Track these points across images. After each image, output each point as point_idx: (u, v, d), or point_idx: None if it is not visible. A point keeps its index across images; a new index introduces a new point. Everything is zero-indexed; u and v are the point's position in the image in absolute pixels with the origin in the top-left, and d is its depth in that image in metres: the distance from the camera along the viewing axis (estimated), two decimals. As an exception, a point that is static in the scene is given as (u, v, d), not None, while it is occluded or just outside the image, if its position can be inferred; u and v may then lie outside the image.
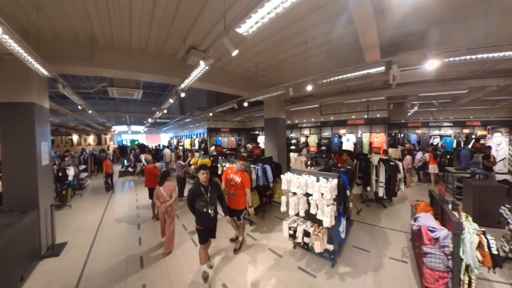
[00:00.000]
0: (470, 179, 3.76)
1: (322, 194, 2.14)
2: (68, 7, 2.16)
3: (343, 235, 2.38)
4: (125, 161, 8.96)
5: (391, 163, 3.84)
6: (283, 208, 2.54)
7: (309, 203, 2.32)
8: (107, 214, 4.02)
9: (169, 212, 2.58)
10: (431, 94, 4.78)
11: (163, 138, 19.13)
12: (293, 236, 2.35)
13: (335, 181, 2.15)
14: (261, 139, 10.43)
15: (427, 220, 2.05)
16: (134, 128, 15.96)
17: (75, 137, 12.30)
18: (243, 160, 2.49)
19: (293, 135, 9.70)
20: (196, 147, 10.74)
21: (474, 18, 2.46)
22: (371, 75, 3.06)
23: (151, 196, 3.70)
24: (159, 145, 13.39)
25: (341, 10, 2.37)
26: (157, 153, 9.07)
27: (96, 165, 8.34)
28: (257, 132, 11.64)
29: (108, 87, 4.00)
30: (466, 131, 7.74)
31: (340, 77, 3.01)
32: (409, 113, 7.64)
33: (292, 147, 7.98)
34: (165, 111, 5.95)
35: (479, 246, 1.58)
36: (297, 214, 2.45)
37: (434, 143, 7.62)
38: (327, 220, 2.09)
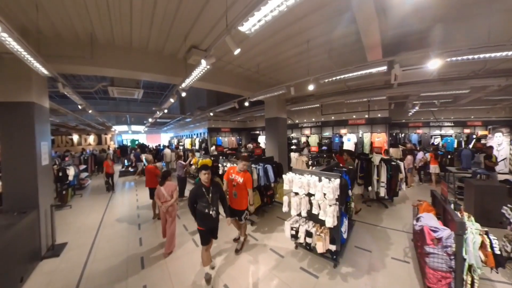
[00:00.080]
0: (472, 179, 3.76)
1: (325, 194, 2.13)
2: (68, 5, 2.15)
3: (345, 235, 2.37)
4: (126, 161, 8.95)
5: (393, 163, 3.83)
6: (285, 208, 2.53)
7: (311, 203, 2.31)
8: (108, 214, 4.01)
9: (170, 212, 2.57)
10: (432, 94, 4.77)
11: (164, 138, 19.11)
12: (295, 237, 2.34)
13: (338, 181, 2.13)
14: (261, 139, 10.42)
15: (429, 220, 2.04)
16: (135, 128, 15.94)
17: (75, 137, 12.30)
18: (245, 160, 2.48)
19: (293, 135, 9.69)
20: (197, 147, 10.72)
21: (476, 17, 2.44)
22: (372, 75, 3.04)
23: (151, 196, 3.69)
24: (159, 145, 13.36)
25: (342, 9, 2.35)
26: (157, 153, 9.05)
27: (97, 165, 8.34)
28: (257, 132, 11.62)
29: (108, 87, 3.98)
30: (467, 131, 7.73)
31: (342, 76, 3.00)
32: (410, 113, 7.63)
33: (293, 147, 7.96)
34: (165, 111, 5.94)
35: (482, 246, 1.58)
36: (299, 214, 2.44)
37: (435, 143, 7.61)
38: (330, 220, 2.07)
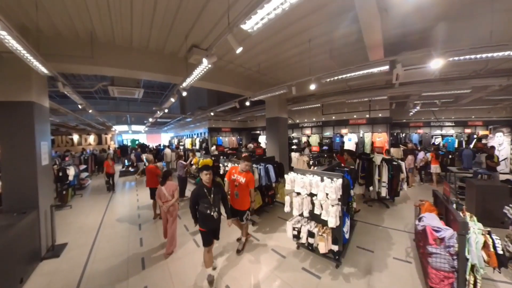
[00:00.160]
0: (473, 179, 3.75)
1: (327, 194, 2.11)
2: (68, 4, 2.13)
3: (347, 236, 2.36)
4: (126, 161, 8.94)
5: (394, 163, 3.82)
6: (286, 209, 2.51)
7: (313, 203, 2.30)
8: (108, 214, 3.99)
9: (171, 211, 2.56)
10: (433, 93, 4.75)
11: (164, 138, 19.10)
12: (297, 237, 2.33)
13: (340, 181, 2.12)
14: (262, 139, 10.40)
15: (431, 220, 2.03)
16: (135, 127, 15.93)
17: (75, 137, 12.28)
18: (247, 160, 2.47)
19: (294, 134, 9.68)
20: (197, 146, 10.70)
21: (478, 17, 2.43)
22: (373, 75, 3.03)
23: (152, 196, 3.67)
24: (159, 145, 13.35)
25: (344, 8, 2.34)
26: (157, 153, 9.04)
27: (97, 165, 8.32)
28: (258, 132, 11.60)
29: (108, 86, 3.96)
30: (467, 130, 7.72)
31: (344, 76, 2.98)
32: (411, 113, 7.62)
33: (294, 147, 7.95)
34: (166, 111, 5.92)
35: (485, 246, 1.58)
36: (301, 215, 2.42)
37: (436, 143, 7.61)
38: (332, 220, 2.06)
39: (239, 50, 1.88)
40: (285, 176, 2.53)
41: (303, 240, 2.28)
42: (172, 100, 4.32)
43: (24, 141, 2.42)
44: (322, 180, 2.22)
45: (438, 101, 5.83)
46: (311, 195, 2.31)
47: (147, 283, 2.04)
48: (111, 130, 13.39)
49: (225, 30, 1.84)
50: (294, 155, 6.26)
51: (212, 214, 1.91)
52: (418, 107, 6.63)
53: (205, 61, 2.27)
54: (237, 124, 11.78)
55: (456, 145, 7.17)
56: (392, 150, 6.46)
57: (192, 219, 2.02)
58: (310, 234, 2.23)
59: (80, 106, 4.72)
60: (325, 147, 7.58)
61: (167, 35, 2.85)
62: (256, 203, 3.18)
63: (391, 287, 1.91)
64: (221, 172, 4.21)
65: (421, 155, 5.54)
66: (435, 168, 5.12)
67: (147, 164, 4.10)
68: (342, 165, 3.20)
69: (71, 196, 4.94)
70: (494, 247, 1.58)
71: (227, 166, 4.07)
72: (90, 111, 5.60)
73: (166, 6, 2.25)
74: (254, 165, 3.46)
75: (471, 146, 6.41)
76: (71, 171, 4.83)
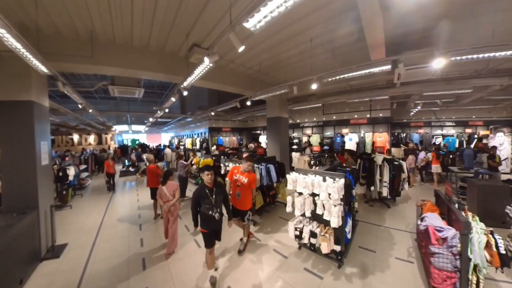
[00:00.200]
0: (475, 178, 3.74)
1: (329, 194, 2.10)
2: (67, 2, 2.11)
3: (349, 236, 2.35)
4: (126, 160, 8.91)
5: (395, 163, 3.81)
6: (288, 209, 2.50)
7: (315, 203, 2.28)
8: (108, 214, 3.97)
9: (172, 211, 2.55)
10: (435, 93, 4.74)
11: (164, 138, 19.07)
12: (299, 237, 2.31)
13: (342, 180, 2.11)
14: (262, 139, 10.39)
15: (434, 220, 2.02)
16: (135, 127, 15.91)
17: (75, 137, 12.26)
18: (250, 161, 2.46)
19: (295, 134, 9.67)
20: (198, 146, 10.69)
21: (480, 16, 2.42)
22: (375, 74, 3.02)
23: (153, 196, 3.65)
24: (160, 145, 13.34)
25: (347, 7, 2.32)
26: (158, 153, 9.02)
27: (97, 165, 8.30)
28: (258, 132, 11.60)
29: (109, 86, 3.94)
30: (468, 130, 7.72)
31: (346, 75, 2.96)
32: (412, 113, 7.61)
33: (294, 147, 7.94)
34: (166, 110, 5.90)
35: (487, 245, 1.59)
36: (303, 215, 2.41)
37: (437, 143, 7.60)
38: (335, 220, 2.05)
39: (241, 48, 1.86)
40: (287, 176, 2.51)
41: (305, 241, 2.27)
42: (173, 99, 4.30)
43: (24, 141, 2.40)
44: (324, 180, 2.21)
45: (439, 101, 5.83)
46: (313, 195, 2.30)
47: (148, 284, 2.02)
48: (111, 130, 13.36)
49: (227, 29, 1.82)
50: (295, 155, 6.25)
51: (213, 215, 1.89)
52: (419, 107, 6.62)
53: (206, 60, 2.25)
54: (237, 124, 11.77)
55: (457, 145, 7.17)
56: (393, 150, 6.44)
57: (193, 221, 1.97)
58: (313, 234, 2.21)
59: (80, 106, 4.70)
60: (326, 147, 7.57)
61: (167, 34, 2.83)
62: (257, 203, 3.16)
63: (393, 287, 1.91)
64: (222, 172, 4.19)
65: (422, 155, 5.53)
66: (436, 168, 5.11)
67: (147, 164, 4.07)
68: (344, 165, 3.18)
69: (71, 196, 4.92)
70: (497, 247, 1.58)
71: (228, 166, 4.05)
72: (90, 110, 5.58)
73: (167, 4, 2.23)
74: (255, 165, 3.45)
75: (472, 146, 6.41)
76: (71, 171, 4.81)
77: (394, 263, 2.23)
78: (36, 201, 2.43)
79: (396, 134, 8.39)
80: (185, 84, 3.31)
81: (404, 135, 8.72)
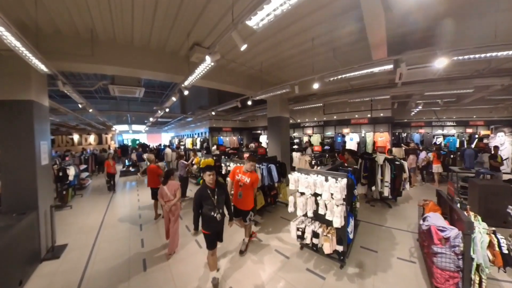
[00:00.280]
0: (476, 178, 3.73)
1: (332, 194, 2.09)
2: (67, 0, 2.09)
3: (351, 236, 2.34)
4: (126, 160, 8.90)
5: (397, 163, 3.80)
6: (290, 209, 2.49)
7: (317, 203, 2.27)
8: (109, 214, 3.95)
9: (173, 211, 2.53)
10: (436, 93, 4.73)
11: (164, 138, 19.05)
12: (301, 237, 2.30)
13: (345, 180, 2.09)
14: (263, 139, 10.38)
15: (436, 219, 2.01)
16: (135, 127, 15.89)
17: (75, 137, 12.24)
18: (253, 161, 2.44)
19: (295, 134, 9.66)
20: (198, 146, 10.68)
21: (482, 16, 2.41)
22: (376, 74, 3.01)
23: (153, 196, 3.63)
24: (160, 145, 13.32)
25: (349, 6, 2.31)
26: (158, 153, 9.00)
27: (97, 165, 8.28)
28: (259, 132, 11.59)
29: (109, 85, 3.92)
30: (469, 130, 7.72)
31: (347, 75, 2.95)
32: (413, 113, 7.61)
33: (295, 147, 7.93)
34: (167, 110, 5.88)
35: (490, 245, 1.59)
36: (305, 215, 2.39)
37: (437, 143, 7.60)
38: (337, 220, 2.04)
39: (243, 47, 1.84)
40: (289, 176, 2.50)
41: (307, 241, 2.26)
42: (174, 99, 4.28)
43: (24, 140, 2.38)
44: (326, 180, 2.20)
45: (441, 100, 5.82)
46: (315, 195, 2.29)
47: (149, 285, 2.01)
48: (112, 129, 13.34)
49: (229, 27, 1.80)
50: (296, 154, 6.24)
51: (215, 215, 1.86)
52: (420, 107, 6.62)
53: (208, 58, 2.24)
54: (238, 124, 11.75)
55: (457, 145, 7.17)
56: (394, 150, 6.44)
57: (193, 223, 1.92)
58: (315, 235, 2.20)
59: (80, 106, 4.68)
60: (326, 147, 7.56)
61: (168, 33, 2.81)
62: (258, 203, 3.15)
63: (396, 287, 1.90)
64: (223, 172, 4.17)
65: (422, 154, 5.52)
66: (437, 167, 5.11)
67: (148, 163, 4.06)
68: (346, 164, 3.17)
69: (71, 196, 4.90)
70: (499, 246, 1.59)
71: (229, 166, 4.04)
72: (91, 110, 5.56)
73: (168, 2, 2.21)
74: (257, 165, 3.44)
75: (473, 146, 6.41)
76: (71, 171, 4.79)
77: (396, 263, 2.23)
78: (36, 201, 2.41)
79: (397, 134, 8.39)
80: (186, 83, 3.30)
81: (405, 135, 8.71)
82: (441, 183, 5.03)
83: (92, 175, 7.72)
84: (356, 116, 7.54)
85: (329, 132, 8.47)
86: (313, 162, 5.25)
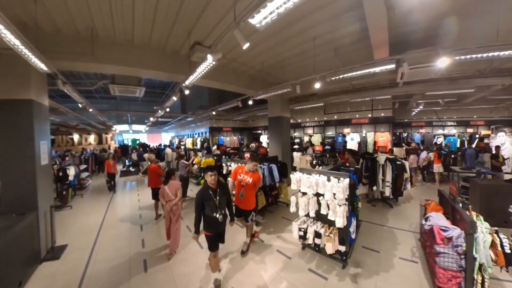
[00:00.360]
0: (477, 178, 3.73)
1: (334, 194, 2.08)
2: (68, -2, 2.07)
3: (353, 236, 2.33)
4: (127, 160, 8.88)
5: (398, 162, 3.79)
6: (292, 209, 2.47)
7: (319, 203, 2.26)
8: (109, 215, 3.93)
9: (174, 211, 2.52)
10: (437, 93, 4.72)
11: (164, 138, 19.02)
12: (303, 237, 2.29)
13: (347, 180, 2.08)
14: (263, 139, 10.38)
15: (438, 219, 2.01)
16: (136, 127, 15.87)
17: (75, 137, 12.22)
18: (255, 161, 2.43)
19: (296, 134, 9.66)
20: (198, 146, 10.66)
21: (484, 15, 2.40)
22: (377, 74, 3.00)
23: (154, 196, 3.62)
24: (160, 145, 13.29)
25: (351, 6, 2.29)
26: (158, 153, 8.98)
27: (97, 165, 8.26)
28: (259, 132, 11.59)
29: (109, 84, 3.90)
30: (469, 130, 7.73)
31: (349, 74, 2.94)
32: (414, 113, 7.61)
33: (295, 147, 7.92)
34: (167, 110, 5.86)
35: (492, 245, 1.59)
36: (307, 215, 2.38)
37: (438, 143, 7.60)
38: (340, 220, 2.02)
39: (246, 45, 1.83)
40: (291, 175, 2.49)
41: (310, 241, 2.24)
42: (174, 98, 4.26)
43: (23, 140, 2.36)
44: (329, 179, 2.18)
45: (442, 100, 5.81)
46: (317, 195, 2.27)
47: (150, 286, 1.99)
48: (112, 129, 13.31)
49: (231, 25, 1.78)
50: (296, 154, 6.23)
51: (218, 216, 1.83)
52: (421, 107, 6.61)
53: (210, 57, 2.22)
54: (238, 124, 11.75)
55: (458, 145, 7.17)
56: (395, 149, 6.44)
57: (194, 225, 1.86)
58: (317, 235, 2.19)
59: (80, 105, 4.66)
60: (327, 147, 7.55)
61: (169, 32, 2.80)
62: (259, 204, 3.14)
63: (398, 287, 1.89)
64: (224, 172, 4.16)
65: (423, 154, 5.51)
66: (437, 167, 5.10)
67: (149, 163, 4.04)
68: (347, 164, 3.17)
69: (71, 196, 4.88)
70: (502, 246, 1.58)
71: (230, 166, 4.02)
72: (91, 110, 5.54)
73: (169, 0, 2.20)
74: (258, 165, 3.42)
75: (473, 145, 6.41)
76: (71, 171, 4.77)
77: (398, 263, 2.22)
78: (36, 202, 2.39)
79: (397, 133, 8.39)
80: (186, 83, 3.28)
81: (406, 134, 8.72)
82: (441, 183, 5.02)
83: (92, 175, 7.70)
84: (357, 116, 7.54)
85: (330, 132, 8.47)
86: (314, 162, 5.24)
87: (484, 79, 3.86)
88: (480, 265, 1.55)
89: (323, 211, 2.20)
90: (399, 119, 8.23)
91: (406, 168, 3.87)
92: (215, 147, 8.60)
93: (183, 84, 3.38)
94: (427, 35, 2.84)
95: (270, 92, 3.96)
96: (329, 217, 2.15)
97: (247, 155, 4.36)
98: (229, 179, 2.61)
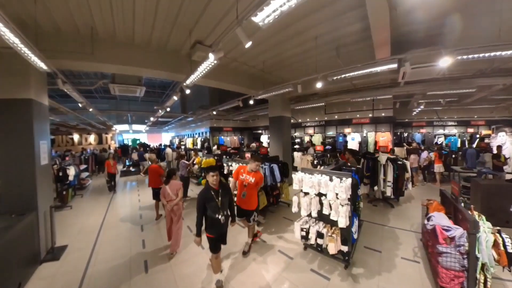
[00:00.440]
0: (478, 178, 3.72)
1: (337, 194, 2.06)
2: (68, -3, 2.05)
3: (355, 236, 2.31)
4: (127, 160, 8.86)
5: (399, 162, 3.78)
6: (294, 209, 2.46)
7: (321, 203, 2.24)
8: (109, 215, 3.91)
9: (175, 211, 2.50)
10: (438, 92, 4.72)
11: (165, 138, 18.99)
12: (305, 238, 2.27)
13: (349, 180, 2.07)
14: (264, 138, 10.37)
15: (441, 219, 2.00)
16: (136, 127, 15.84)
17: (75, 136, 12.18)
18: (258, 161, 2.42)
19: (297, 134, 9.65)
20: (199, 146, 10.65)
21: (486, 15, 2.39)
22: (378, 73, 2.99)
23: (154, 196, 3.60)
24: (160, 145, 13.27)
25: (353, 5, 2.28)
26: (159, 153, 8.96)
27: (97, 165, 8.24)
28: (260, 131, 11.58)
29: (109, 84, 3.88)
30: (470, 130, 7.73)
31: (351, 74, 2.92)
32: (414, 112, 7.60)
33: (296, 146, 7.91)
34: (167, 109, 5.84)
35: (495, 244, 1.59)
36: (309, 215, 2.37)
37: (439, 142, 7.60)
38: (342, 220, 2.01)
39: (248, 44, 1.81)
40: (293, 175, 2.48)
41: (312, 241, 2.23)
42: (175, 98, 4.24)
43: (23, 140, 2.34)
44: (331, 179, 2.17)
45: (443, 100, 5.81)
46: (320, 195, 2.26)
47: (150, 287, 1.98)
48: (112, 129, 13.27)
49: (233, 24, 1.77)
50: (297, 154, 6.21)
51: (220, 218, 1.80)
52: (422, 106, 6.60)
53: (211, 56, 2.20)
54: (238, 124, 11.74)
55: (459, 145, 7.18)
56: (396, 149, 6.43)
57: (196, 226, 1.82)
58: (319, 235, 2.17)
59: (80, 105, 4.64)
60: (328, 147, 7.54)
61: (170, 31, 2.78)
62: (261, 204, 3.12)
63: (400, 287, 1.88)
64: (225, 172, 4.14)
65: (424, 154, 5.51)
66: (438, 167, 5.09)
67: (150, 163, 4.02)
68: (349, 164, 3.16)
69: (71, 197, 4.85)
70: (504, 245, 1.59)
71: (231, 166, 4.00)
72: (91, 109, 5.51)
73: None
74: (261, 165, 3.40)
75: (474, 145, 6.41)
76: (71, 171, 4.74)
77: (400, 263, 2.21)
78: (35, 202, 2.37)
79: (398, 133, 8.39)
80: (187, 82, 3.26)
81: (406, 134, 8.72)
82: (442, 183, 5.02)
83: (92, 175, 7.67)
84: (358, 115, 7.54)
85: (331, 132, 8.47)
86: (316, 162, 5.22)
87: (486, 79, 3.86)
88: (483, 265, 1.56)
89: (326, 211, 2.18)
90: (399, 119, 8.22)
91: (407, 168, 3.86)
92: (215, 147, 8.59)
93: (184, 84, 3.36)
94: (428, 34, 2.83)
95: (271, 91, 3.94)
96: (331, 217, 2.13)
97: (247, 155, 4.33)
98: (231, 179, 2.60)
